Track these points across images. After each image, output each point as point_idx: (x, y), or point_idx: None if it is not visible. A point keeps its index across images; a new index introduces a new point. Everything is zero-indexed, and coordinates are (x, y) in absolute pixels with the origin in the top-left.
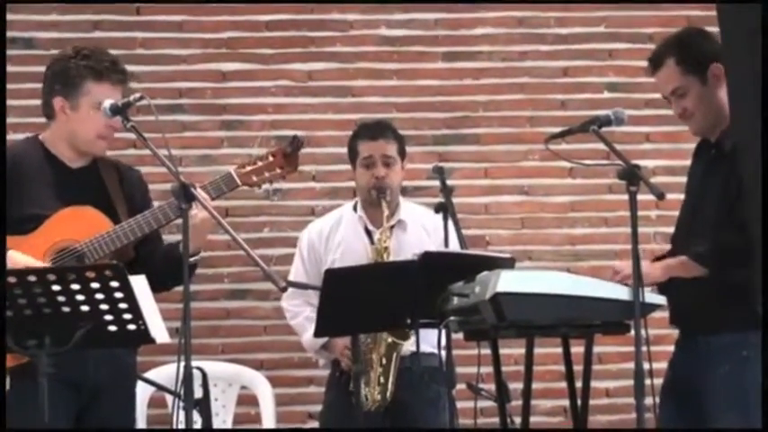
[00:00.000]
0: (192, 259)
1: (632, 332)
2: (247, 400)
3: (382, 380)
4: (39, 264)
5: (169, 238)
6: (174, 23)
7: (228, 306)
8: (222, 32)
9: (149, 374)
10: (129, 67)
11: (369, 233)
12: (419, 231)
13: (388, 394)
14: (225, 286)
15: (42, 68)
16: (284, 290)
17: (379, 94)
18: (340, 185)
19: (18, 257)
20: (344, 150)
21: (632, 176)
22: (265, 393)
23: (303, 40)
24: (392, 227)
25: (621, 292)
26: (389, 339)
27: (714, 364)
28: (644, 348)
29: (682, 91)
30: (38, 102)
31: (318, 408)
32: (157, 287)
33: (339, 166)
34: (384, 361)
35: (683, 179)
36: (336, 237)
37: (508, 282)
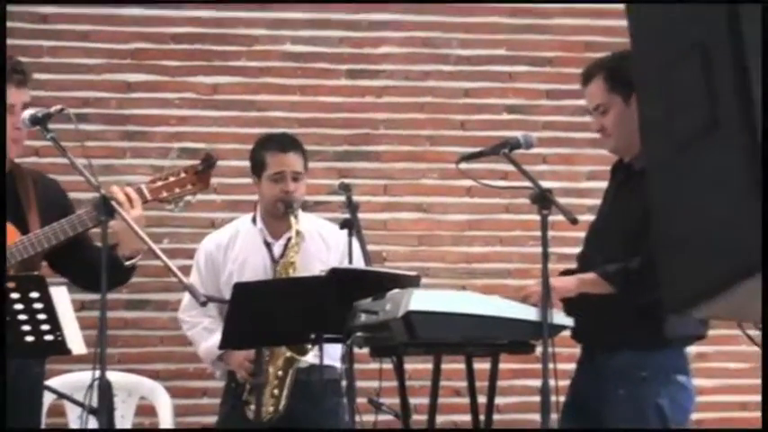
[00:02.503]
0: (130, 262)
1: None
2: (146, 410)
3: (276, 392)
4: None
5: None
6: (80, 33)
7: (126, 316)
8: (128, 43)
9: (49, 383)
10: (36, 76)
11: (268, 246)
12: (318, 242)
13: (281, 406)
14: (123, 296)
15: None
16: (204, 304)
17: (282, 109)
18: (241, 198)
19: None
20: (246, 164)
21: (544, 200)
22: (164, 404)
23: (208, 53)
24: (290, 238)
25: (529, 313)
26: (287, 354)
27: (612, 385)
28: (550, 366)
29: (603, 108)
30: None
31: (212, 419)
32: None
33: (240, 179)
34: (280, 374)
35: (579, 201)
36: (235, 249)
37: (420, 300)
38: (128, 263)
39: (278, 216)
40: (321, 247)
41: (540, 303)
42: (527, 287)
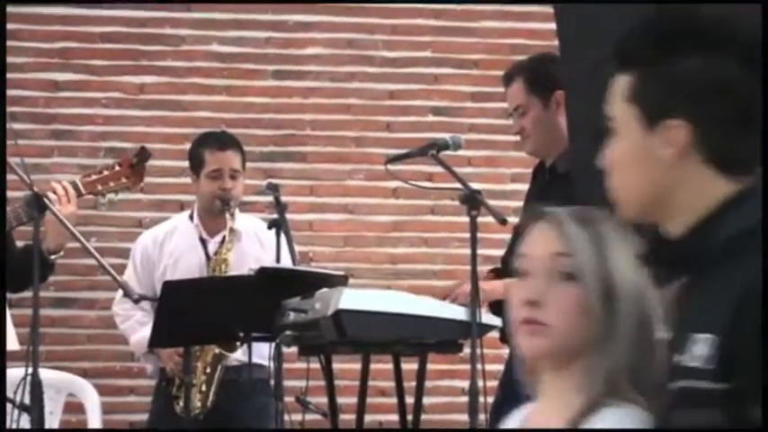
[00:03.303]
0: (54, 256)
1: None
2: (74, 407)
3: (204, 388)
4: None
5: None
6: (8, 31)
7: (53, 314)
8: (56, 42)
9: None
10: None
11: (203, 242)
12: (252, 241)
13: (209, 402)
14: (50, 294)
15: None
16: (137, 301)
17: (208, 109)
18: (168, 198)
19: None
20: (173, 163)
21: (473, 201)
22: (92, 402)
23: (135, 53)
24: (231, 239)
25: (458, 313)
26: (216, 350)
27: None
28: (478, 366)
29: (523, 110)
30: None
31: (139, 417)
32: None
33: (167, 179)
34: (208, 370)
35: (504, 203)
36: (170, 245)
37: (350, 299)
38: (52, 257)
39: (215, 213)
40: (256, 246)
41: (468, 303)
42: (455, 287)
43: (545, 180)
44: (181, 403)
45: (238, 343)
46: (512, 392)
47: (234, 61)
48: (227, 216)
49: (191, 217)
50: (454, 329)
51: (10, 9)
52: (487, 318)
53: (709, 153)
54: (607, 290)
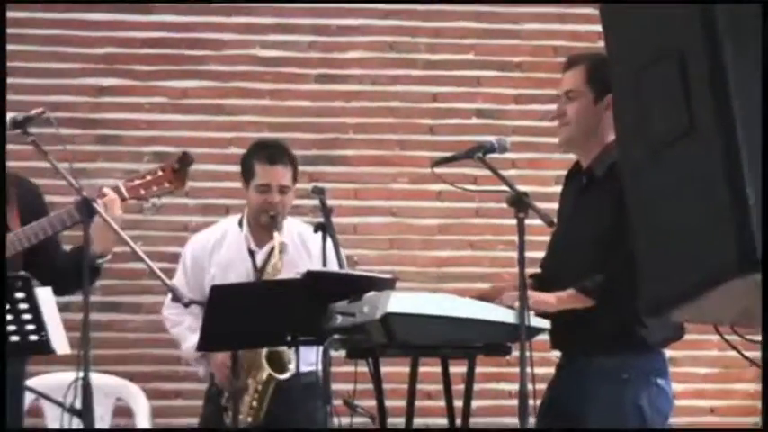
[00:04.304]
0: (99, 261)
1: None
2: (122, 412)
3: (255, 404)
4: None
5: None
6: (52, 37)
7: (100, 318)
8: (99, 48)
9: (29, 383)
10: (7, 80)
11: (251, 253)
12: (300, 250)
13: (260, 418)
14: (97, 299)
15: None
16: (187, 305)
17: (251, 113)
18: (212, 202)
19: None
20: (217, 168)
21: (521, 203)
22: (141, 405)
23: (178, 57)
24: (272, 249)
25: (506, 316)
26: (267, 371)
27: (593, 387)
28: (527, 369)
29: (573, 95)
30: None
31: (186, 420)
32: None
33: (212, 183)
34: (260, 388)
35: (547, 205)
36: (220, 252)
37: (398, 302)
38: (98, 261)
39: (262, 225)
40: (303, 255)
41: (515, 304)
42: (504, 289)
43: (581, 183)
44: (231, 414)
45: (290, 365)
46: (559, 396)
47: (277, 65)
48: (275, 234)
49: (240, 224)
50: (502, 332)
51: (54, 15)
52: (536, 321)
53: None
54: None
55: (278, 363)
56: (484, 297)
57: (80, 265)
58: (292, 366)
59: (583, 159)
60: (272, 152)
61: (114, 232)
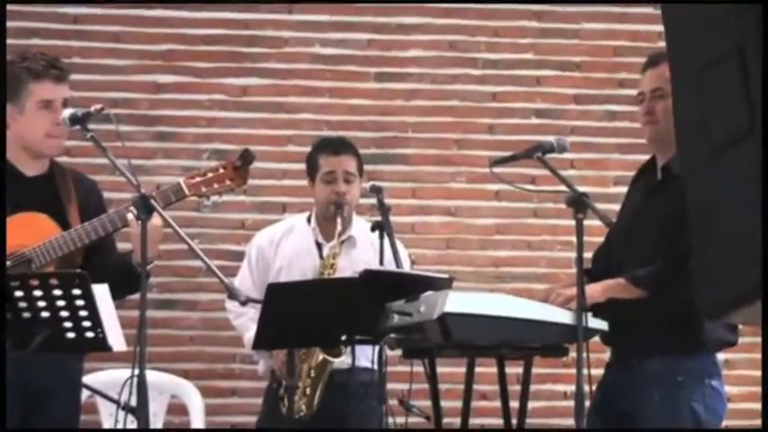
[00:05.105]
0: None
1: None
2: (176, 409)
3: (308, 391)
4: None
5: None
6: (111, 34)
7: (156, 315)
8: (158, 45)
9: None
10: None
11: (319, 246)
12: (367, 248)
13: (314, 406)
14: (153, 296)
15: None
16: (244, 303)
17: (311, 112)
18: (270, 200)
19: None
20: (275, 165)
21: (580, 204)
22: (195, 403)
23: (238, 55)
24: (342, 242)
25: (563, 316)
26: (321, 356)
27: (648, 389)
28: (584, 371)
29: (660, 93)
30: None
31: (241, 419)
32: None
33: (270, 180)
34: (313, 374)
35: (607, 206)
36: (286, 245)
37: (455, 302)
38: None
39: (329, 218)
40: (371, 254)
41: (572, 306)
42: (557, 290)
43: (655, 179)
44: (286, 405)
45: (343, 348)
46: (612, 397)
47: (336, 63)
48: (338, 220)
49: (308, 219)
50: (560, 333)
51: (113, 12)
52: (594, 322)
53: None
54: None
55: (331, 348)
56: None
57: (124, 273)
58: (346, 354)
59: (661, 157)
60: (335, 144)
61: (173, 230)
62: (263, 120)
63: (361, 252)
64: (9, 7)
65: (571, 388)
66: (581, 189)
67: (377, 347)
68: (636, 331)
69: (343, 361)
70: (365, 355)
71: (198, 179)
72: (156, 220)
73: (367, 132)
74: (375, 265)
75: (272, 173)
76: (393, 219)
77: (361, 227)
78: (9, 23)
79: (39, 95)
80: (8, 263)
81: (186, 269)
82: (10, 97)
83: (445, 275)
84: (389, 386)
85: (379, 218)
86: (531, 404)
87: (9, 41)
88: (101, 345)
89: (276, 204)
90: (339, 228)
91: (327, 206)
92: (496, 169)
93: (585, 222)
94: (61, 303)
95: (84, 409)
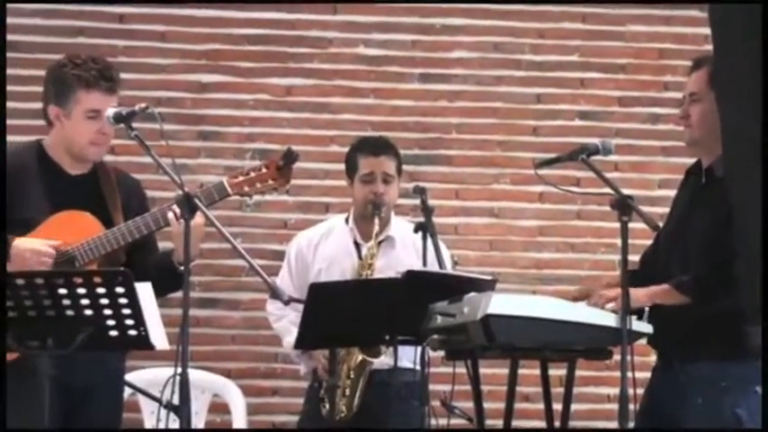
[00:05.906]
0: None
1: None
2: (218, 408)
3: (348, 392)
4: (44, 244)
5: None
6: (156, 33)
7: (198, 314)
8: (203, 44)
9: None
10: None
11: (357, 246)
12: (407, 249)
13: (354, 406)
14: (195, 295)
15: (25, 72)
16: (287, 303)
17: (354, 112)
18: (313, 200)
19: (24, 243)
20: (318, 166)
21: (625, 207)
22: (237, 402)
23: (282, 55)
24: (380, 242)
25: (608, 319)
26: (360, 357)
27: (692, 394)
28: (628, 374)
29: (697, 97)
30: (19, 104)
31: (283, 418)
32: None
33: (312, 180)
34: (353, 375)
35: (651, 209)
36: (325, 247)
37: (499, 304)
38: (181, 267)
39: (368, 218)
40: (412, 254)
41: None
42: (599, 291)
43: (699, 181)
44: (327, 406)
45: (383, 349)
46: (658, 401)
47: (380, 64)
48: (375, 220)
49: (347, 220)
50: (604, 336)
51: (155, 10)
52: (638, 325)
53: None
54: None
55: (371, 348)
56: (574, 299)
57: (165, 271)
58: (386, 355)
59: (705, 159)
60: (374, 144)
61: (217, 229)
62: (306, 120)
63: (401, 252)
64: (54, 6)
65: (614, 391)
66: (625, 192)
67: (419, 348)
68: (680, 336)
69: (383, 361)
70: (407, 356)
71: (241, 178)
72: (198, 219)
73: (410, 133)
74: (414, 266)
75: (314, 173)
76: (436, 220)
77: (400, 227)
78: (55, 22)
79: (87, 105)
80: (52, 261)
81: (229, 268)
82: (58, 99)
83: (488, 277)
84: (432, 387)
85: (422, 219)
86: (573, 407)
87: (55, 40)
88: (143, 343)
89: (318, 204)
90: (376, 228)
91: (365, 206)
92: (541, 171)
93: (631, 225)
94: (105, 301)
95: (127, 407)
